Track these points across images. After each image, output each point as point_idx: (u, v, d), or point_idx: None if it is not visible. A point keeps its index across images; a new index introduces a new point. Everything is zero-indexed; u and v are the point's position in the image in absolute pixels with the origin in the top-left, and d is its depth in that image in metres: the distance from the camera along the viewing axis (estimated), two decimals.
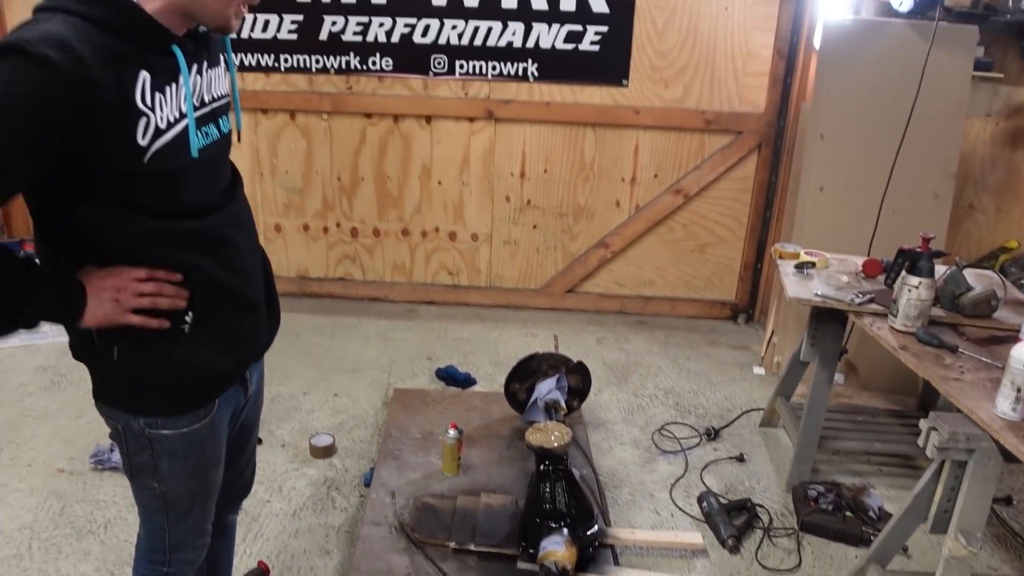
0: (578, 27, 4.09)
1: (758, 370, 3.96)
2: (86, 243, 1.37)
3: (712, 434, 3.36)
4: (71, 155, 1.23)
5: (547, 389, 3.16)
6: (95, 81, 1.19)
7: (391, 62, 4.22)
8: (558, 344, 4.01)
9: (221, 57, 1.53)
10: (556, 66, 4.17)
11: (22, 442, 3.13)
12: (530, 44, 4.13)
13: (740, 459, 3.22)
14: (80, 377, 3.60)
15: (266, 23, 4.15)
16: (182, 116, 1.36)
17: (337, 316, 4.36)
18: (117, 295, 1.36)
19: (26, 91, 1.14)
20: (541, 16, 4.08)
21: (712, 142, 4.26)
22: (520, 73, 4.18)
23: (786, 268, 3.00)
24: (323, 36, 4.17)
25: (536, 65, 4.17)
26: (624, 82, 4.18)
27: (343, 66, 4.23)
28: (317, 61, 4.22)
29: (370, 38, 4.17)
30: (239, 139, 1.63)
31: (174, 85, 1.34)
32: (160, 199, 1.37)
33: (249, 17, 4.14)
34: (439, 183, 4.43)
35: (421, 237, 4.55)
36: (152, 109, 1.29)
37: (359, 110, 4.31)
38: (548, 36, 4.11)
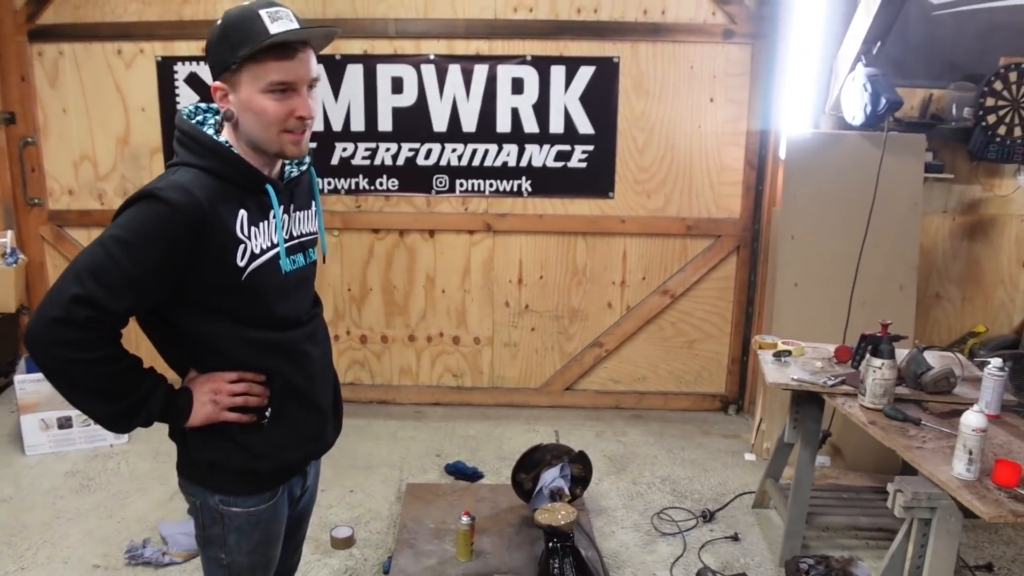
0: (567, 147, 4.52)
1: (749, 456, 4.19)
2: (189, 345, 1.68)
3: (708, 516, 3.57)
4: (185, 275, 1.56)
5: (551, 478, 3.38)
6: (208, 217, 1.54)
7: (397, 182, 4.62)
8: (559, 438, 4.24)
9: (313, 203, 1.86)
10: (548, 182, 4.57)
11: (56, 541, 3.32)
12: (523, 163, 4.55)
13: (735, 538, 3.42)
14: (107, 480, 3.81)
15: None
16: (274, 245, 1.68)
17: (348, 418, 4.49)
18: (214, 397, 1.67)
19: (157, 226, 1.51)
20: (533, 138, 4.51)
21: (694, 246, 4.63)
22: (515, 189, 4.58)
23: (765, 357, 3.29)
24: (334, 161, 4.59)
25: (529, 182, 4.57)
26: (610, 194, 4.58)
27: (353, 187, 4.62)
28: (329, 183, 4.62)
29: (377, 161, 4.58)
30: (324, 260, 1.99)
31: (267, 221, 1.67)
32: (253, 312, 1.67)
33: None
34: (443, 291, 4.76)
35: (427, 342, 4.84)
36: (249, 238, 1.62)
37: (367, 226, 4.68)
38: (540, 155, 4.54)
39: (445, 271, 4.74)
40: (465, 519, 3.09)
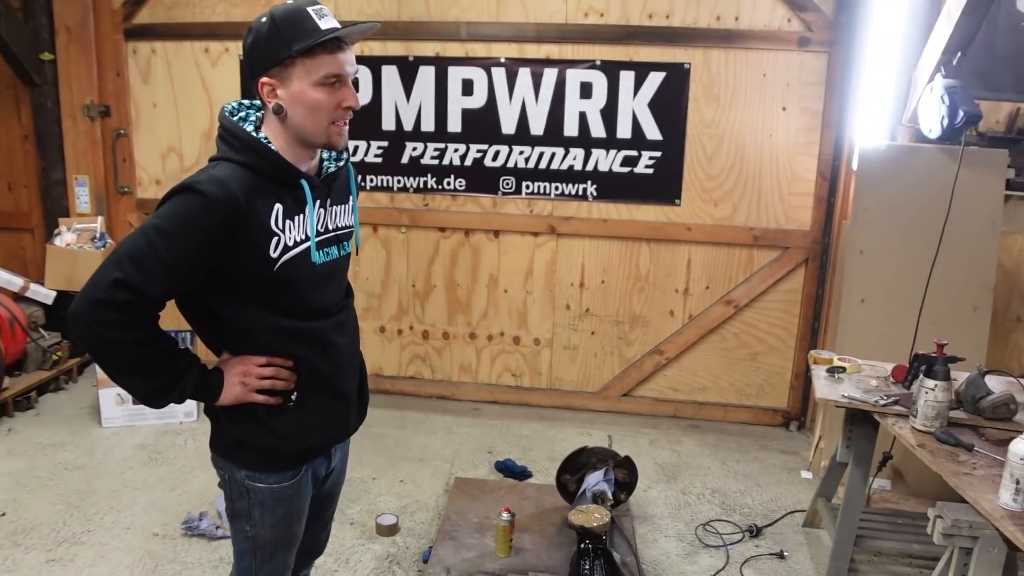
0: (634, 152, 4.51)
1: (806, 474, 4.09)
2: (222, 330, 1.79)
3: (755, 531, 3.51)
4: (221, 264, 1.65)
5: (595, 481, 3.39)
6: (242, 210, 1.63)
7: (464, 183, 4.69)
8: (612, 443, 4.24)
9: (350, 198, 1.94)
10: (613, 187, 4.57)
11: (122, 508, 3.52)
12: (589, 167, 4.56)
13: (780, 556, 3.35)
14: (174, 455, 4.01)
15: (356, 148, 4.71)
16: (307, 238, 1.76)
17: (407, 411, 4.71)
18: (244, 379, 1.76)
19: (193, 218, 1.60)
20: (600, 143, 4.52)
21: (760, 257, 4.55)
22: (580, 193, 4.60)
23: (818, 372, 3.22)
24: (404, 160, 4.70)
25: (595, 186, 4.58)
26: (677, 201, 4.55)
27: (421, 186, 4.73)
28: (398, 181, 4.74)
29: (446, 161, 4.67)
30: (357, 252, 2.03)
31: (302, 215, 1.75)
32: (284, 301, 1.76)
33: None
34: (505, 291, 4.81)
35: (487, 340, 4.90)
36: (283, 231, 1.71)
37: (434, 224, 4.77)
38: (606, 160, 4.54)
39: (508, 271, 4.79)
40: (505, 515, 3.13)
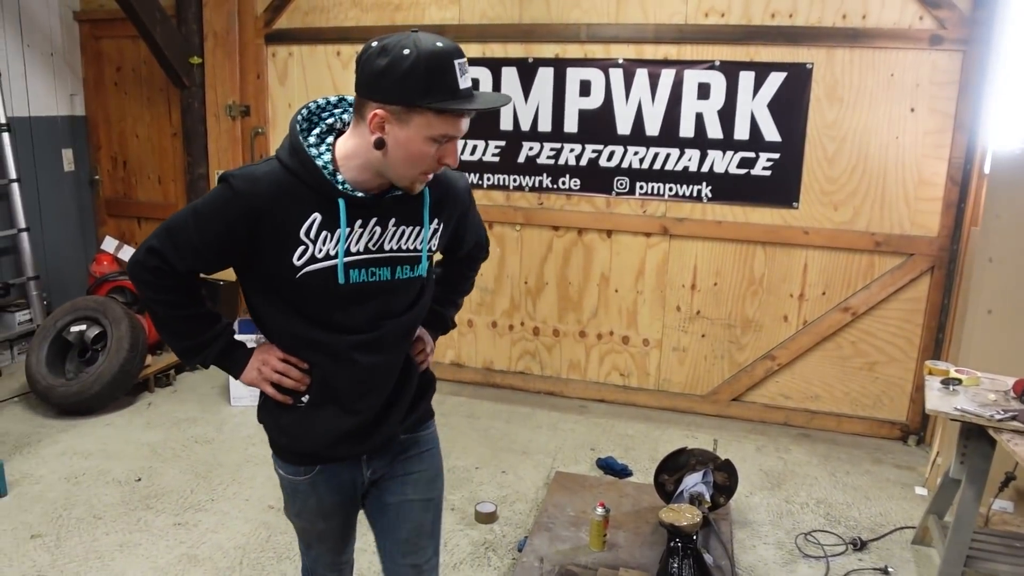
0: (751, 154, 4.44)
1: (920, 490, 3.92)
2: (256, 319, 1.87)
3: (859, 545, 3.40)
4: (248, 256, 1.71)
5: (693, 482, 3.38)
6: (263, 209, 1.65)
7: (578, 182, 4.76)
8: (716, 448, 4.19)
9: (423, 221, 1.81)
10: (729, 189, 4.52)
11: (243, 481, 3.80)
12: (704, 168, 4.52)
13: (885, 572, 3.24)
14: None
15: (474, 147, 4.86)
16: (338, 255, 1.72)
17: (514, 405, 4.82)
18: (261, 367, 1.85)
19: (220, 205, 1.67)
20: (716, 144, 4.48)
21: (882, 263, 4.39)
22: (695, 194, 4.57)
23: (932, 383, 3.10)
24: (521, 159, 4.81)
25: (710, 187, 4.54)
26: (794, 204, 4.45)
27: (536, 185, 4.82)
28: (514, 180, 4.85)
29: (561, 161, 4.75)
30: (424, 280, 1.89)
31: (347, 230, 1.70)
32: (303, 308, 1.76)
33: (461, 143, 4.85)
34: (616, 291, 4.84)
35: (597, 339, 4.95)
36: (314, 242, 1.68)
37: (548, 223, 4.85)
38: (722, 162, 4.49)
39: (620, 271, 4.81)
40: (600, 510, 3.18)
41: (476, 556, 3.26)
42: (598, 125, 4.65)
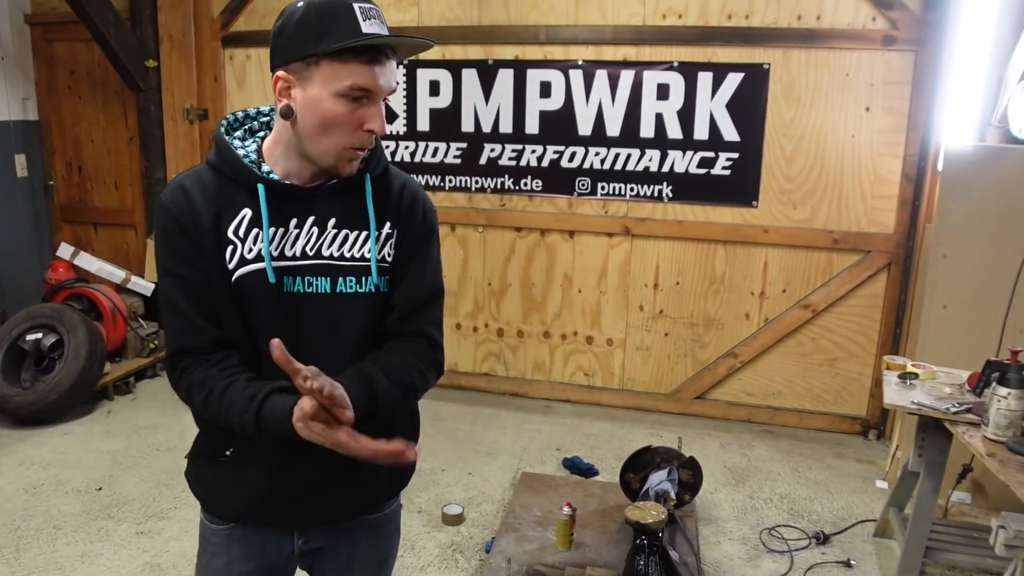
0: (711, 154, 4.49)
1: (881, 484, 3.99)
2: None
3: (822, 538, 3.44)
4: (204, 265, 1.48)
5: (658, 480, 3.40)
6: (194, 213, 1.46)
7: (540, 183, 4.76)
8: (681, 445, 4.21)
9: (369, 225, 1.52)
10: (689, 188, 4.55)
11: None
12: (665, 168, 4.56)
13: (847, 564, 3.28)
14: None
15: (436, 149, 4.84)
16: (272, 257, 1.46)
17: (480, 407, 4.81)
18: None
19: (160, 224, 1.49)
20: (676, 144, 4.52)
21: (840, 260, 4.45)
22: (656, 194, 4.60)
23: (890, 378, 3.15)
24: (482, 161, 4.80)
25: (670, 187, 4.58)
26: (754, 203, 4.50)
27: (498, 186, 4.82)
28: (476, 182, 4.84)
29: (523, 163, 4.75)
30: (376, 293, 1.54)
31: (281, 229, 1.47)
32: (247, 324, 1.49)
33: (422, 145, 4.85)
34: (579, 291, 4.85)
35: (561, 339, 4.96)
36: (243, 240, 1.46)
37: (510, 224, 4.86)
38: (682, 161, 4.53)
39: (583, 271, 4.83)
40: (566, 509, 3.18)
41: (443, 558, 3.25)
42: (559, 126, 4.66)
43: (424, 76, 4.80)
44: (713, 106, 4.45)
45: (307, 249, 1.49)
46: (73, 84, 5.56)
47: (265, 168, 1.49)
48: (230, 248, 1.47)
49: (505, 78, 4.69)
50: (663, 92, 4.51)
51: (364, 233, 1.52)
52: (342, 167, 1.45)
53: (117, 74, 5.18)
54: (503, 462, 4.13)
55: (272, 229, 1.47)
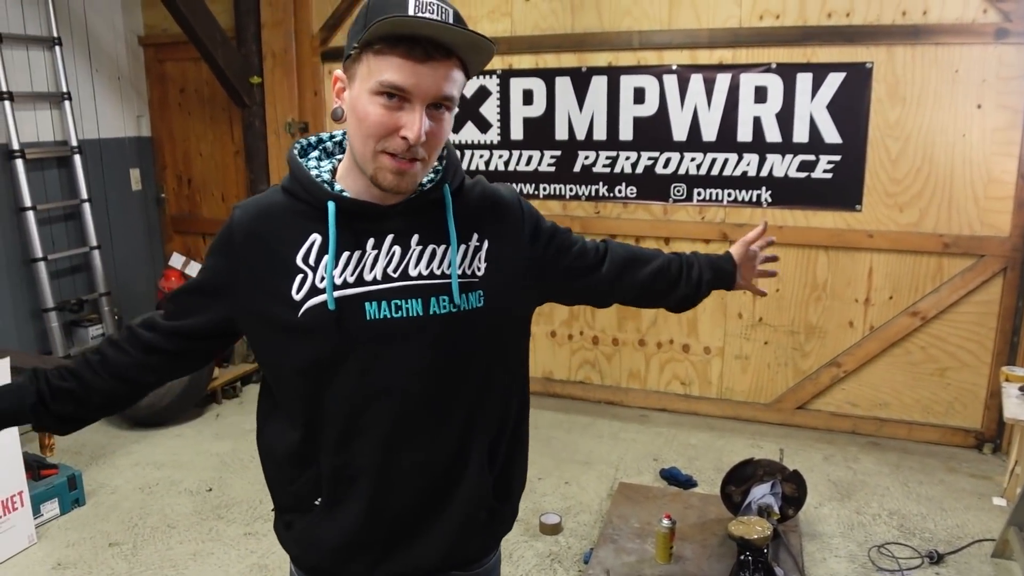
0: (811, 157, 4.36)
1: (999, 501, 3.79)
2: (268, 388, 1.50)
3: (935, 558, 3.30)
4: (247, 304, 1.38)
5: (761, 493, 3.33)
6: (255, 234, 1.36)
7: (635, 190, 4.73)
8: (783, 457, 4.11)
9: (452, 228, 1.39)
10: (789, 193, 4.44)
11: None
12: (764, 173, 4.46)
13: None
14: None
15: (529, 157, 4.87)
16: (348, 283, 1.32)
17: (574, 415, 4.81)
18: None
19: (220, 241, 1.41)
20: (775, 148, 4.41)
21: (951, 265, 4.26)
22: (754, 199, 4.51)
23: (1010, 391, 3.01)
24: (576, 168, 4.80)
25: (769, 192, 4.48)
26: (857, 207, 4.35)
27: (592, 194, 4.81)
28: (570, 189, 4.85)
29: (617, 169, 4.73)
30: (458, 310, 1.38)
31: (357, 252, 1.34)
32: (307, 360, 1.35)
33: (516, 153, 4.88)
34: None
35: (656, 348, 4.91)
36: (314, 268, 1.32)
37: (605, 232, 4.83)
38: (781, 165, 4.42)
39: None
40: (666, 522, 3.15)
41: (542, 568, 3.26)
42: (654, 132, 4.62)
43: (517, 85, 4.84)
44: (813, 108, 4.33)
45: (389, 271, 1.34)
46: (183, 101, 5.82)
47: (338, 187, 1.37)
48: (299, 277, 1.33)
49: (599, 85, 4.67)
50: (761, 95, 4.41)
51: (448, 247, 1.38)
52: (381, 177, 1.28)
53: (224, 91, 5.40)
54: (600, 471, 4.12)
55: (347, 253, 1.33)
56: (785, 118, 4.37)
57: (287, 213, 1.36)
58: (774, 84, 4.37)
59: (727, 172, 4.53)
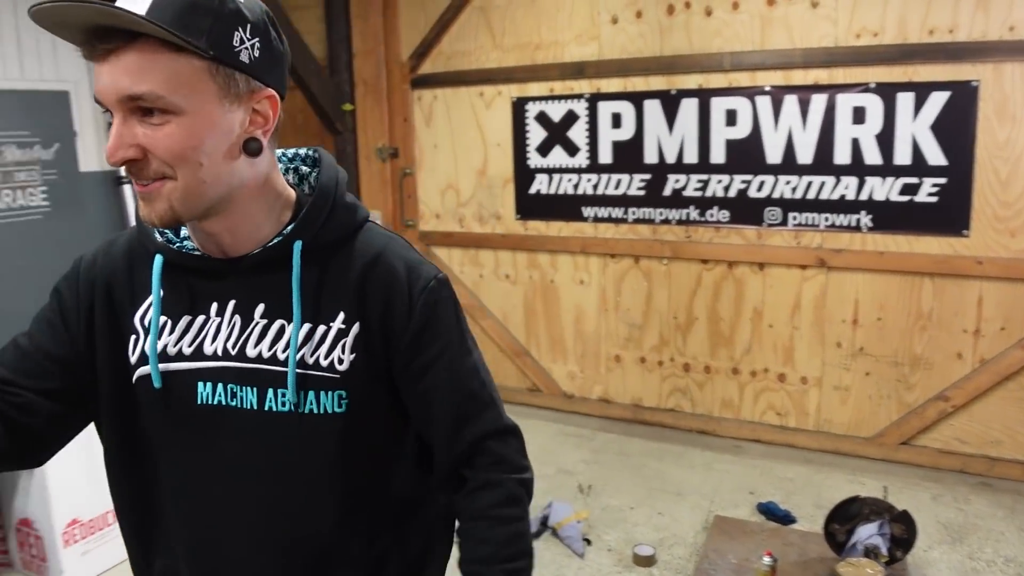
0: (914, 179, 4.18)
1: None
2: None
3: None
4: (84, 354, 1.16)
5: (868, 534, 3.17)
6: (97, 288, 1.15)
7: (727, 214, 4.62)
8: (887, 495, 3.92)
9: (297, 301, 1.10)
10: (890, 217, 4.26)
11: None
12: (863, 197, 4.29)
13: None
14: None
15: (619, 182, 4.82)
16: (184, 355, 1.11)
17: (666, 443, 4.70)
18: None
19: (64, 278, 1.20)
20: (875, 170, 4.25)
21: None
22: (853, 224, 4.34)
23: None
24: (667, 192, 4.73)
25: (869, 216, 4.31)
26: (965, 232, 4.14)
27: (683, 218, 4.72)
28: (660, 213, 4.77)
29: (708, 193, 4.63)
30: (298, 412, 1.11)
31: (201, 317, 1.11)
32: (149, 448, 1.15)
33: (605, 177, 4.84)
34: (770, 326, 4.65)
35: (750, 376, 4.76)
36: (147, 331, 1.12)
37: (696, 256, 4.73)
38: (882, 188, 4.25)
39: (773, 305, 4.62)
40: (767, 559, 3.03)
41: None
42: (746, 155, 4.51)
43: (606, 109, 4.80)
44: (915, 128, 4.15)
45: (228, 345, 1.10)
46: (280, 129, 5.97)
47: (184, 233, 1.14)
48: (132, 338, 1.13)
49: (689, 107, 4.60)
50: (859, 115, 4.26)
51: (289, 324, 1.11)
52: (141, 211, 1.04)
53: (317, 118, 5.52)
54: (693, 502, 4.00)
55: (187, 317, 1.11)
56: (885, 139, 4.21)
57: (135, 259, 1.16)
58: (873, 104, 4.21)
59: (824, 196, 4.38)
